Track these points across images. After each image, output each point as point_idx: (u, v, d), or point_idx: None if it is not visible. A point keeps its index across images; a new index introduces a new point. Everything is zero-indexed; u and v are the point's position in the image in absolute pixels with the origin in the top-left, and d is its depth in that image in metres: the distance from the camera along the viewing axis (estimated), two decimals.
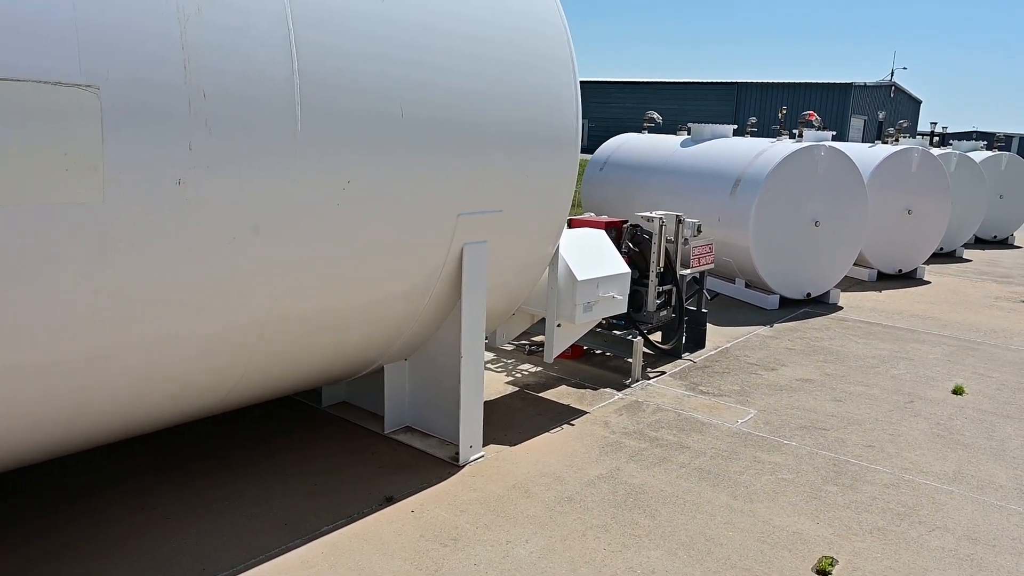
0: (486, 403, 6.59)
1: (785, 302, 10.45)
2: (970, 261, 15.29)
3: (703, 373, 7.56)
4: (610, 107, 52.93)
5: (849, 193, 10.54)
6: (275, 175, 3.88)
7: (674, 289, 7.81)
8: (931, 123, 17.36)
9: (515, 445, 5.79)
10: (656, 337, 8.27)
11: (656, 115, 13.52)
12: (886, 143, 13.57)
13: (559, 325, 6.34)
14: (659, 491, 5.13)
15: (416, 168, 4.58)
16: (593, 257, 6.40)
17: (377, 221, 4.47)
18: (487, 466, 5.41)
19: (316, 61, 3.97)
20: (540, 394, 6.87)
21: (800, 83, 47.17)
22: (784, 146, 10.25)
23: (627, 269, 6.55)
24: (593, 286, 6.21)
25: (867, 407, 6.82)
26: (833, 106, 45.69)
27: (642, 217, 7.69)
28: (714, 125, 11.91)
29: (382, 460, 5.42)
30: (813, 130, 10.72)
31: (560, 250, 6.12)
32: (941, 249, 15.45)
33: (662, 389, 7.08)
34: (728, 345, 8.57)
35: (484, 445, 5.71)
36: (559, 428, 6.13)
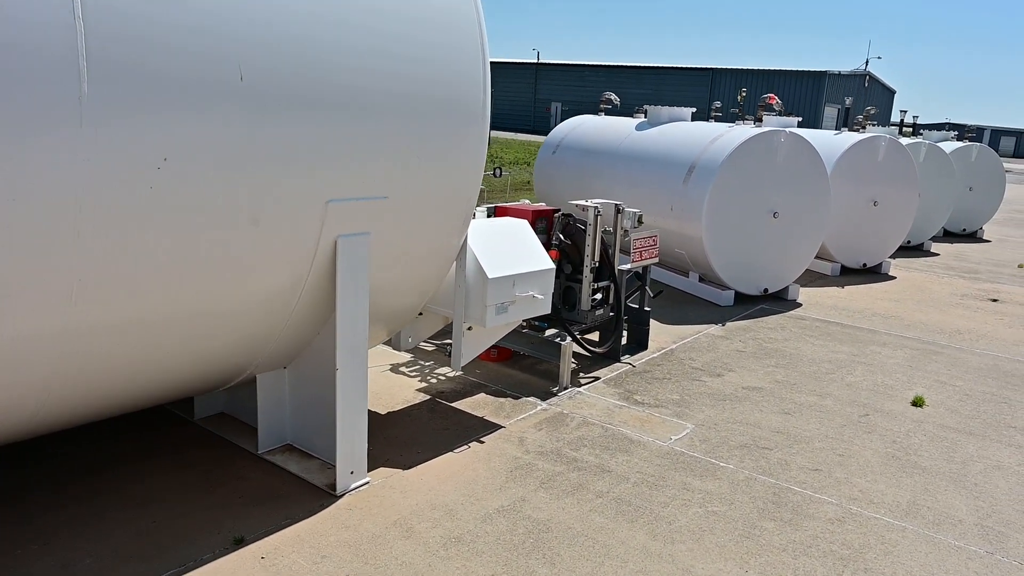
0: (388, 415, 5.81)
1: (741, 298, 9.76)
2: (937, 255, 14.74)
3: (641, 379, 6.83)
4: (585, 90, 52.05)
5: (811, 183, 9.84)
6: (53, 150, 3.02)
7: (612, 286, 7.06)
8: (901, 111, 16.73)
9: (410, 468, 5.00)
10: (595, 338, 7.52)
11: (613, 96, 12.72)
12: (855, 131, 12.90)
13: (469, 328, 5.55)
14: (566, 528, 4.37)
15: (263, 145, 3.73)
16: (510, 251, 5.60)
17: (211, 210, 3.63)
18: (369, 496, 4.62)
19: (108, 5, 3.11)
20: (454, 404, 6.09)
21: (775, 70, 46.63)
22: (742, 131, 9.50)
23: (550, 264, 5.77)
24: (508, 284, 5.42)
25: (817, 421, 6.13)
26: (807, 94, 45.25)
27: (576, 206, 6.91)
28: (672, 108, 11.15)
29: (245, 488, 4.60)
30: (774, 115, 9.99)
31: (468, 243, 5.32)
32: (908, 242, 14.88)
33: (592, 398, 6.33)
34: (673, 346, 7.85)
35: (373, 468, 4.93)
36: (466, 447, 5.35)
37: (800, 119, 13.31)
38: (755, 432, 5.85)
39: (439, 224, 4.93)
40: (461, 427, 5.67)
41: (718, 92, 47.11)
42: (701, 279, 9.92)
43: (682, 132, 10.37)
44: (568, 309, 6.98)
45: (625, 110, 13.40)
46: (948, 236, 17.15)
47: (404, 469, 4.99)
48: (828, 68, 45.68)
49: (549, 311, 5.87)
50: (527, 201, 7.26)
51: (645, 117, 11.49)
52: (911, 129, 20.32)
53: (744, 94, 10.28)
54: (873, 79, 53.55)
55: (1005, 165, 18.00)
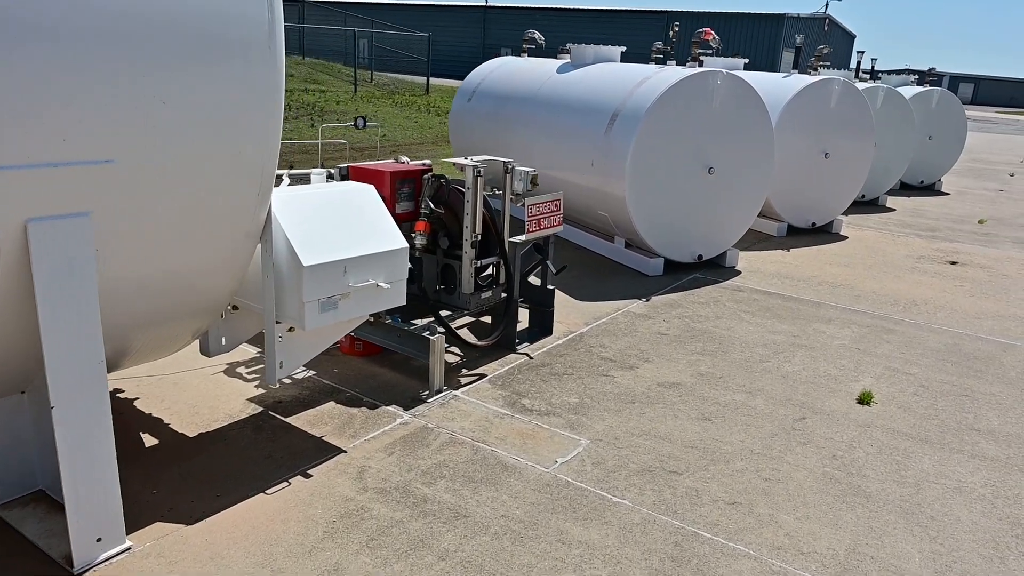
0: (198, 438, 4.52)
1: (672, 267, 8.56)
2: (893, 211, 13.72)
3: (536, 376, 5.61)
4: (551, 36, 49.89)
5: (752, 132, 8.60)
6: None
7: (501, 262, 5.78)
8: (858, 52, 15.48)
9: (196, 523, 3.74)
10: (489, 323, 6.28)
11: (537, 34, 11.27)
12: (807, 74, 11.63)
13: (291, 330, 4.25)
14: None
15: None
16: (343, 227, 4.27)
17: None
18: (121, 574, 3.36)
19: None
20: (290, 418, 4.82)
21: (731, 13, 45.06)
22: (672, 73, 8.18)
23: (401, 243, 4.46)
24: (335, 272, 4.11)
25: (743, 429, 4.99)
26: (765, 38, 43.87)
27: (453, 165, 5.57)
28: (598, 47, 9.75)
29: None
30: (710, 53, 8.67)
31: (276, 218, 3.98)
32: (862, 197, 13.81)
33: (469, 405, 5.10)
34: (584, 329, 6.64)
35: (148, 523, 3.67)
36: (284, 483, 4.10)
37: (747, 60, 12.01)
38: (664, 448, 4.69)
39: (216, 194, 3.57)
40: (289, 453, 4.41)
41: (684, 37, 45.47)
42: (627, 245, 8.70)
43: (606, 75, 9.01)
44: (448, 292, 5.70)
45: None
46: (905, 189, 16.16)
47: (188, 524, 3.73)
48: (787, 11, 44.26)
49: (403, 302, 4.58)
50: (407, 159, 5.89)
51: (569, 58, 10.09)
52: (869, 74, 19.18)
53: (676, 29, 8.80)
54: (833, 22, 52.23)
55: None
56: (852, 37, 60.03)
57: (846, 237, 11.09)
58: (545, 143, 9.27)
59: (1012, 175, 20.34)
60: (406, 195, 5.25)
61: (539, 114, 9.41)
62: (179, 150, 3.31)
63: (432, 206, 5.31)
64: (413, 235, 5.25)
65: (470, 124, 10.95)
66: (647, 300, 7.56)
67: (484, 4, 54.89)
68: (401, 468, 4.31)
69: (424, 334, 5.18)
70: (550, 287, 6.33)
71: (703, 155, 8.26)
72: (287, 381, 5.33)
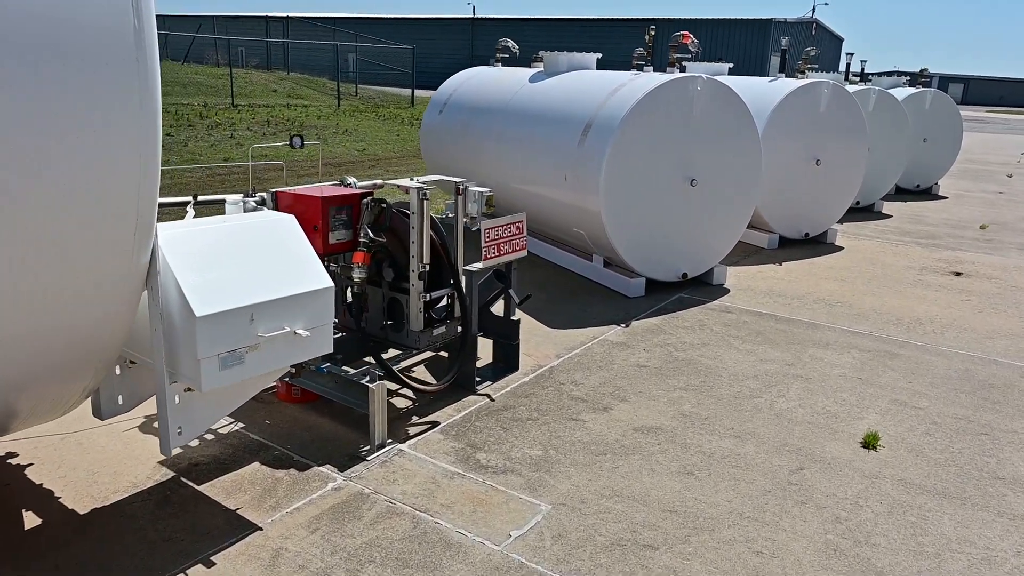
0: (92, 515, 3.84)
1: (654, 286, 7.91)
2: (890, 217, 13.10)
3: (497, 422, 4.94)
4: (525, 45, 49.45)
5: (737, 140, 7.97)
6: None
7: (456, 294, 5.12)
8: (847, 53, 14.92)
9: None
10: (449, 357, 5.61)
11: (511, 43, 10.66)
12: (796, 77, 11.02)
13: (188, 390, 3.58)
14: None
15: None
16: (250, 265, 3.61)
17: None
18: None
19: None
20: (203, 486, 4.13)
21: (719, 19, 44.68)
22: (648, 79, 7.55)
23: (325, 282, 3.79)
24: (239, 321, 3.45)
25: (731, 486, 4.32)
26: (753, 43, 43.49)
27: (398, 187, 4.93)
28: (572, 54, 9.13)
29: None
30: (689, 58, 8.06)
31: (165, 259, 3.32)
32: (857, 203, 13.19)
33: (416, 462, 4.43)
34: (556, 362, 5.97)
35: None
36: None
37: (731, 65, 11.42)
38: (638, 514, 4.01)
39: (77, 237, 2.91)
40: (194, 534, 3.72)
41: (662, 44, 45.09)
42: (606, 264, 8.05)
43: (580, 83, 8.39)
44: (396, 330, 5.03)
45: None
46: (901, 193, 15.56)
47: None
48: (774, 16, 43.89)
49: (329, 349, 3.91)
50: (353, 181, 5.21)
51: (542, 66, 9.47)
52: (859, 76, 18.64)
53: (652, 33, 8.09)
54: (820, 26, 51.95)
55: None
56: (840, 40, 59.81)
57: (842, 248, 10.46)
58: (517, 157, 8.63)
59: (1010, 176, 19.79)
60: (343, 223, 4.59)
61: (510, 126, 8.78)
62: (28, 185, 2.65)
63: (372, 234, 4.64)
64: (351, 267, 4.59)
65: (441, 138, 10.32)
66: (626, 326, 6.90)
67: (471, 16, 54.56)
68: (324, 550, 3.63)
69: (363, 381, 4.50)
70: (514, 317, 5.67)
71: (685, 166, 7.62)
72: (209, 436, 4.65)
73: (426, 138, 10.70)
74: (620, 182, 7.29)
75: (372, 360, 5.00)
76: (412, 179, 4.89)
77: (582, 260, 8.34)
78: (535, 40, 49.52)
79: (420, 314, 4.85)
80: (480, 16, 53.33)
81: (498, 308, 5.78)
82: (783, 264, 9.40)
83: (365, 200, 4.64)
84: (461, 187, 4.97)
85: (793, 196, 10.03)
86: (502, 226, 5.25)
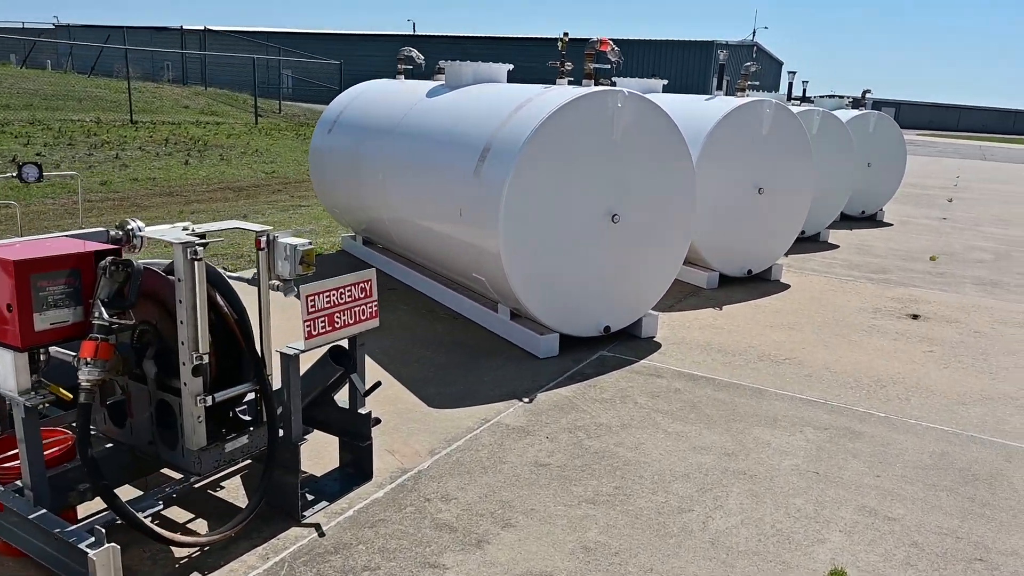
0: None
1: (571, 343, 6.57)
2: (837, 247, 12.10)
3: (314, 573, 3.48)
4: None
5: (667, 167, 6.72)
6: None
7: (260, 390, 3.65)
8: (789, 72, 14.00)
9: None
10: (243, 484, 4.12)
11: (415, 53, 9.30)
12: (736, 96, 9.91)
13: None
14: None
15: None
16: None
17: None
18: None
19: None
20: None
21: (660, 40, 44.35)
22: (558, 94, 6.26)
23: None
24: None
25: None
26: (695, 64, 43.21)
27: (161, 239, 3.45)
28: (478, 64, 7.80)
29: None
30: (610, 70, 6.80)
31: None
32: (803, 232, 12.17)
33: None
34: (426, 464, 4.55)
35: None
36: None
37: (666, 82, 10.29)
38: None
39: None
40: None
41: (602, 63, 44.54)
42: (513, 316, 6.68)
43: (482, 98, 7.06)
44: (170, 445, 3.53)
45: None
46: (846, 220, 14.66)
47: None
48: (716, 38, 43.75)
49: None
50: (136, 227, 3.70)
51: (444, 79, 8.12)
52: (801, 99, 17.85)
53: (566, 40, 6.80)
54: (761, 49, 52.22)
55: None
56: (780, 64, 60.45)
57: (788, 286, 9.31)
58: (407, 188, 7.25)
59: (951, 200, 19.25)
60: (62, 297, 3.10)
61: (400, 151, 7.39)
62: None
63: (107, 315, 3.12)
64: (78, 364, 3.09)
65: (328, 163, 8.87)
66: (529, 401, 5.52)
67: (411, 34, 53.28)
68: None
69: (82, 544, 2.98)
70: (362, 410, 4.22)
71: (604, 198, 6.33)
72: None
73: (314, 163, 9.24)
74: (524, 218, 5.95)
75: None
76: (187, 226, 3.42)
77: (487, 310, 6.96)
78: (477, 59, 48.58)
79: (200, 425, 3.37)
80: (420, 34, 52.07)
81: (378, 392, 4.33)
82: (723, 308, 8.17)
83: (103, 262, 3.15)
84: (265, 238, 3.52)
85: (734, 229, 8.85)
86: (336, 290, 3.83)
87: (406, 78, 9.40)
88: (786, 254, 10.85)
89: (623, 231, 6.47)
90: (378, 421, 4.75)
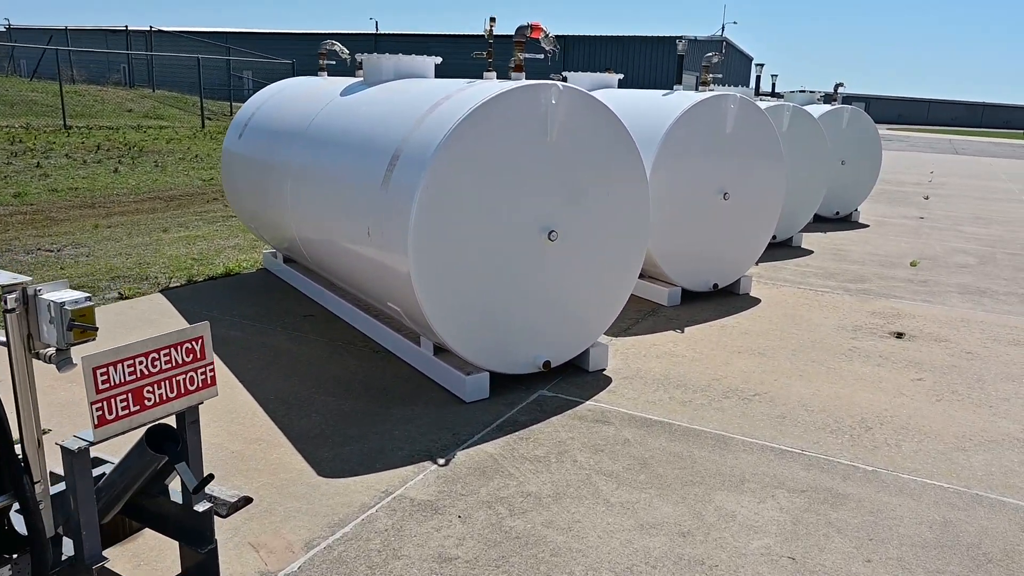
0: None
1: (504, 382, 5.60)
2: (810, 253, 11.26)
3: None
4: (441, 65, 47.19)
5: (615, 171, 5.76)
6: None
7: (19, 501, 2.63)
8: (757, 64, 13.15)
9: None
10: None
11: (339, 47, 8.28)
12: (698, 90, 8.98)
13: None
14: None
15: None
16: None
17: None
18: None
19: None
20: None
21: (628, 36, 43.59)
22: (481, 89, 5.27)
23: None
24: None
25: None
26: (663, 61, 42.48)
27: None
28: (400, 57, 6.80)
29: None
30: (541, 59, 5.83)
31: None
32: (774, 237, 11.31)
33: None
34: (296, 565, 3.55)
35: None
36: None
37: (621, 76, 9.36)
38: None
39: None
40: None
41: (571, 61, 43.64)
42: (438, 351, 5.69)
43: (398, 96, 6.06)
44: None
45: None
46: (819, 222, 13.87)
47: None
48: (684, 33, 43.05)
49: None
50: None
51: (362, 75, 7.11)
52: (771, 94, 17.07)
53: (492, 26, 5.77)
54: (730, 45, 51.70)
55: None
56: (750, 60, 60.03)
57: (758, 300, 8.42)
58: (312, 201, 6.24)
59: (927, 198, 18.59)
60: None
61: (305, 157, 6.38)
62: None
63: None
64: None
65: (239, 171, 7.83)
66: (445, 463, 4.53)
67: (374, 32, 52.07)
68: None
69: None
70: (199, 507, 3.21)
71: (539, 211, 5.36)
72: None
73: (225, 171, 8.18)
74: (441, 237, 4.96)
75: None
76: None
77: (410, 344, 5.97)
78: (442, 53, 47.48)
79: None
80: (384, 32, 50.82)
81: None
82: (685, 330, 7.24)
83: None
84: (14, 295, 2.50)
85: (697, 240, 7.93)
86: (141, 358, 2.81)
87: (329, 75, 8.38)
88: (757, 262, 9.99)
89: (563, 249, 5.51)
90: (247, 501, 3.77)
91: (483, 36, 6.10)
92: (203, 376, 3.09)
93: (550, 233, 5.37)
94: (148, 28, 32.44)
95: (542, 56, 5.73)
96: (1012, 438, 5.14)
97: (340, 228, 5.82)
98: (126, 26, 34.04)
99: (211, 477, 3.10)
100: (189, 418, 3.11)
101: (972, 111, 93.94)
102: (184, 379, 3.01)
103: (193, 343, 3.03)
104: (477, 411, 5.23)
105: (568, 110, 5.31)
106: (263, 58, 31.36)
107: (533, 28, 5.53)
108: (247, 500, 3.85)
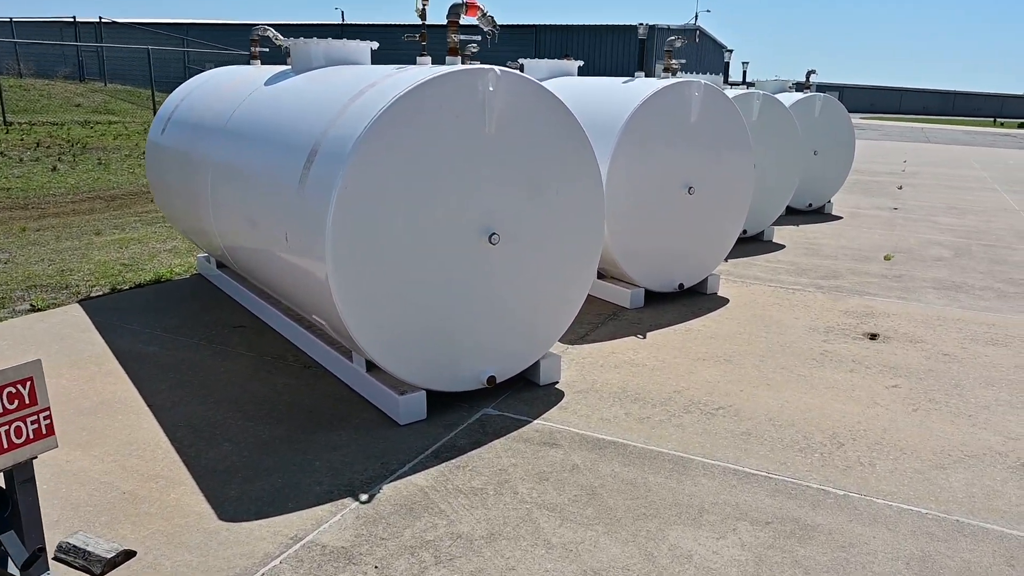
0: None
1: (446, 399, 5.08)
2: (782, 248, 10.84)
3: None
4: (400, 53, 46.35)
5: (566, 167, 5.25)
6: None
7: None
8: (727, 50, 12.69)
9: None
10: None
11: (271, 32, 7.66)
12: (660, 77, 8.49)
13: None
14: None
15: None
16: None
17: None
18: None
19: None
20: None
21: (601, 25, 43.08)
22: (411, 75, 4.73)
23: None
24: None
25: None
26: (636, 50, 41.96)
27: None
28: (331, 42, 6.23)
29: None
30: (478, 42, 5.29)
31: None
32: (744, 232, 10.91)
33: None
34: None
35: None
36: None
37: (581, 63, 8.84)
38: None
39: None
40: None
41: (544, 50, 43.08)
42: (371, 367, 5.16)
43: (322, 85, 5.49)
44: None
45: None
46: (791, 214, 13.49)
47: None
48: (658, 22, 42.59)
49: None
50: None
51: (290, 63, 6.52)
52: (743, 83, 16.65)
53: (426, 4, 5.26)
54: (704, 34, 51.32)
55: None
56: (729, 51, 59.71)
57: (726, 300, 7.96)
58: (231, 203, 5.67)
59: (900, 188, 18.30)
60: None
61: (224, 153, 5.79)
62: None
63: None
64: None
65: (164, 167, 7.22)
66: (368, 499, 4.00)
67: (340, 23, 51.04)
68: None
69: None
70: None
71: (478, 210, 4.83)
72: None
73: (151, 164, 7.56)
74: (364, 242, 4.42)
75: None
76: None
77: (342, 359, 5.42)
78: (409, 48, 46.67)
79: None
80: (349, 23, 49.79)
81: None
82: (647, 336, 6.76)
83: None
84: None
85: (661, 237, 7.45)
86: None
87: (263, 63, 7.77)
88: (726, 259, 9.55)
89: (506, 252, 4.99)
90: (129, 555, 3.27)
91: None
92: (35, 425, 2.54)
93: (491, 235, 4.84)
94: (97, 19, 31.34)
95: (479, 39, 5.19)
96: (993, 452, 4.71)
97: (259, 233, 5.25)
98: (74, 17, 32.91)
99: (40, 552, 2.55)
100: (20, 477, 2.56)
101: (944, 99, 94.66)
102: (8, 431, 2.46)
103: (19, 387, 2.48)
104: (411, 435, 4.70)
105: (508, 98, 4.78)
106: (225, 50, 30.44)
107: (469, 6, 4.98)
108: (128, 554, 3.35)
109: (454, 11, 5.03)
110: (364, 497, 4.01)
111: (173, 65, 28.33)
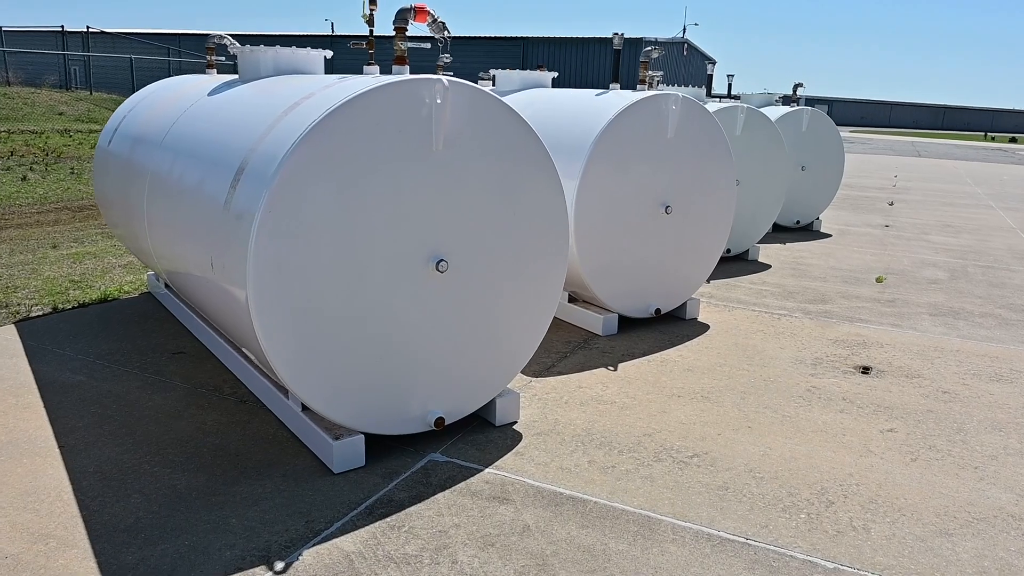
0: None
1: (389, 442, 4.57)
2: (768, 268, 10.39)
3: None
4: (385, 65, 45.92)
5: (521, 186, 4.77)
6: None
7: None
8: (710, 62, 12.23)
9: None
10: None
11: (228, 39, 7.19)
12: (637, 90, 8.02)
13: None
14: None
15: None
16: None
17: None
18: None
19: None
20: None
21: (590, 38, 42.85)
22: (350, 85, 4.25)
23: None
24: None
25: None
26: (624, 63, 41.74)
27: None
28: (279, 50, 5.75)
29: None
30: (428, 48, 4.82)
31: None
32: (728, 251, 10.46)
33: None
34: None
35: None
36: None
37: (555, 75, 8.40)
38: None
39: None
40: None
41: (532, 63, 42.79)
42: (305, 407, 4.64)
43: (260, 97, 5.01)
44: None
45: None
46: (778, 231, 13.07)
47: None
48: (645, 35, 42.38)
49: None
50: None
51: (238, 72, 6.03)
52: (728, 96, 16.26)
53: (374, 8, 4.77)
54: (691, 47, 51.19)
55: None
56: (712, 62, 59.69)
57: (706, 327, 7.48)
58: (163, 222, 5.17)
59: (891, 204, 17.93)
60: None
61: (160, 169, 5.30)
62: None
63: None
64: None
65: (109, 180, 6.72)
66: (282, 569, 3.49)
67: (330, 34, 50.74)
68: None
69: None
70: None
71: (424, 236, 4.34)
72: None
73: (98, 176, 7.07)
74: (291, 269, 3.92)
75: None
76: None
77: (278, 394, 4.91)
78: (383, 60, 46.27)
79: None
80: (340, 34, 49.48)
81: None
82: (619, 367, 6.27)
83: None
84: None
85: (635, 259, 6.98)
86: None
87: (218, 72, 7.29)
88: (708, 280, 9.10)
89: (456, 281, 4.50)
90: None
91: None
92: None
93: (439, 263, 4.35)
94: (85, 28, 30.87)
95: (428, 46, 4.72)
96: (1005, 514, 4.22)
97: (188, 257, 4.75)
98: (62, 26, 32.38)
99: None
100: None
101: (934, 113, 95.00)
102: None
103: None
104: (345, 486, 4.19)
105: (459, 112, 4.31)
106: (203, 59, 30.07)
107: (418, 12, 4.50)
108: None
109: (401, 17, 4.55)
110: (279, 566, 3.50)
111: (160, 74, 27.92)
